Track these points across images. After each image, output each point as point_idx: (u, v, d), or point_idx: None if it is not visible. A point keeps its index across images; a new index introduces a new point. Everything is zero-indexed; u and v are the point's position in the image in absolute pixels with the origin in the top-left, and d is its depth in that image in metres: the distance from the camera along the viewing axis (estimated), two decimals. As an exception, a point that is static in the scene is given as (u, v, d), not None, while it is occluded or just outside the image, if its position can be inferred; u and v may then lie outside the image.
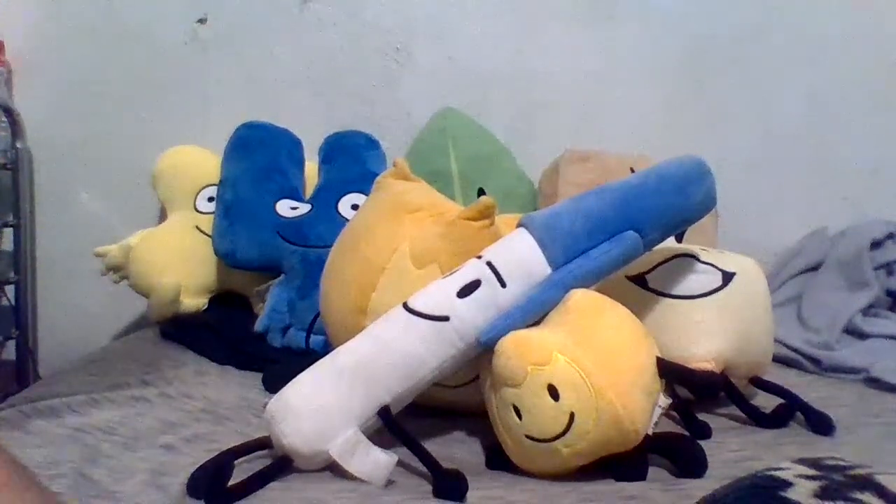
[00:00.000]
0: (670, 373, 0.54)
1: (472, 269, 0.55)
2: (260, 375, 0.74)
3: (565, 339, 0.51)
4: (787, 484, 0.34)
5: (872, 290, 0.96)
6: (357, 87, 1.11)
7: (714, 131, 1.17)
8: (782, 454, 0.56)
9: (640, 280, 0.69)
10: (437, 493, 0.48)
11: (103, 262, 0.94)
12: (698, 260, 0.68)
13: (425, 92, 1.11)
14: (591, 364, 0.49)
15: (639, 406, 0.49)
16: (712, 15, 1.15)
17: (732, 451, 0.58)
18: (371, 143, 1.00)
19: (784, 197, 1.17)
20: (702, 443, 0.59)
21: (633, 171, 1.00)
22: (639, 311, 0.67)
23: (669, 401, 0.57)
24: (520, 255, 0.56)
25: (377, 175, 0.79)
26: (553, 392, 0.48)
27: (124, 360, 0.74)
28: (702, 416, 0.63)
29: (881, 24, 1.16)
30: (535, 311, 0.55)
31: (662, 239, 0.61)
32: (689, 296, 0.67)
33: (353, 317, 0.64)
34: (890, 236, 1.02)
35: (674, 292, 0.67)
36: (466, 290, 0.54)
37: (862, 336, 0.90)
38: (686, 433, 0.61)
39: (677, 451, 0.51)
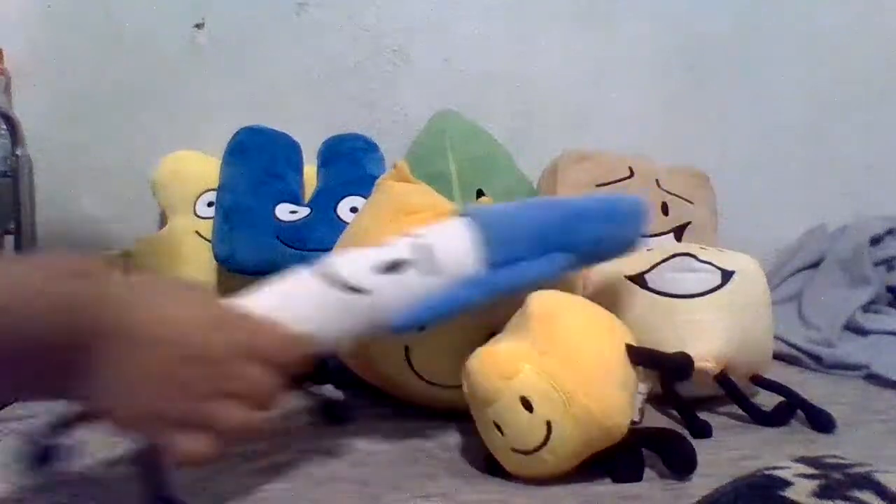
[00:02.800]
0: (641, 358, 0.53)
1: (402, 247, 0.52)
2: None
3: (530, 347, 0.50)
4: (786, 483, 0.34)
5: (873, 286, 0.96)
6: (355, 90, 1.11)
7: (713, 130, 1.17)
8: (783, 452, 0.56)
9: (639, 279, 0.69)
10: None
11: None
12: (697, 259, 0.68)
13: (423, 94, 1.11)
14: (558, 369, 0.48)
15: (614, 401, 0.49)
16: (711, 14, 1.15)
17: (733, 449, 0.58)
18: (369, 147, 1.00)
19: (783, 194, 1.17)
20: (703, 442, 0.60)
21: (631, 170, 1.00)
22: (638, 310, 0.68)
23: (649, 386, 0.57)
24: (457, 244, 0.53)
25: (376, 178, 0.79)
26: (526, 404, 0.48)
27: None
28: (702, 415, 0.63)
29: (880, 21, 1.16)
30: (454, 309, 0.53)
31: (584, 266, 0.61)
32: (689, 295, 0.67)
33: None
34: (889, 232, 1.02)
35: (673, 291, 0.67)
36: (393, 267, 0.50)
37: (862, 332, 0.90)
38: (676, 429, 0.61)
39: (667, 449, 0.50)
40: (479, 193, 0.96)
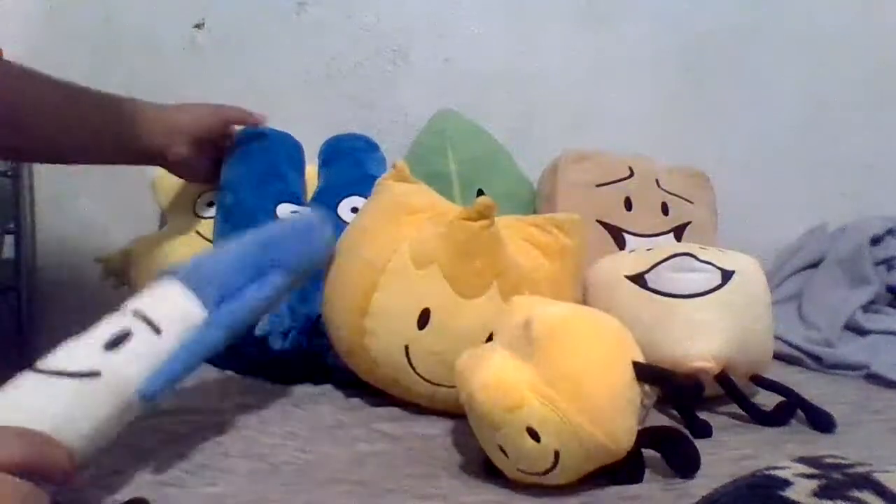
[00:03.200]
0: (649, 376, 0.52)
1: (116, 320, 0.49)
2: (260, 380, 0.74)
3: (533, 375, 0.49)
4: (786, 483, 0.34)
5: (873, 286, 0.96)
6: (355, 91, 1.12)
7: (713, 129, 1.17)
8: (783, 452, 0.56)
9: (639, 279, 0.69)
10: None
11: (103, 269, 0.94)
12: (697, 259, 0.68)
13: (423, 94, 1.11)
14: (563, 398, 0.47)
15: (620, 425, 0.48)
16: (711, 14, 1.15)
17: (733, 449, 0.58)
18: (370, 146, 1.00)
19: (783, 194, 1.17)
20: (703, 441, 0.60)
21: (631, 170, 1.00)
22: (638, 310, 0.68)
23: (656, 393, 0.56)
24: (170, 300, 0.52)
25: (376, 178, 0.79)
26: (533, 434, 0.47)
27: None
28: (702, 415, 0.63)
29: (879, 20, 1.16)
30: (198, 355, 0.51)
31: (297, 280, 0.63)
32: (689, 294, 0.67)
33: (355, 318, 0.65)
34: (890, 232, 1.02)
35: (673, 291, 0.67)
36: (116, 342, 0.47)
37: (862, 332, 0.90)
38: (679, 429, 0.61)
39: (670, 449, 0.50)
40: (480, 193, 0.97)
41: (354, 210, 0.88)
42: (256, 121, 0.88)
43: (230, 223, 0.86)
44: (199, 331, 0.52)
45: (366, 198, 0.78)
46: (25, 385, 0.44)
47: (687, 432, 0.60)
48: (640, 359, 0.53)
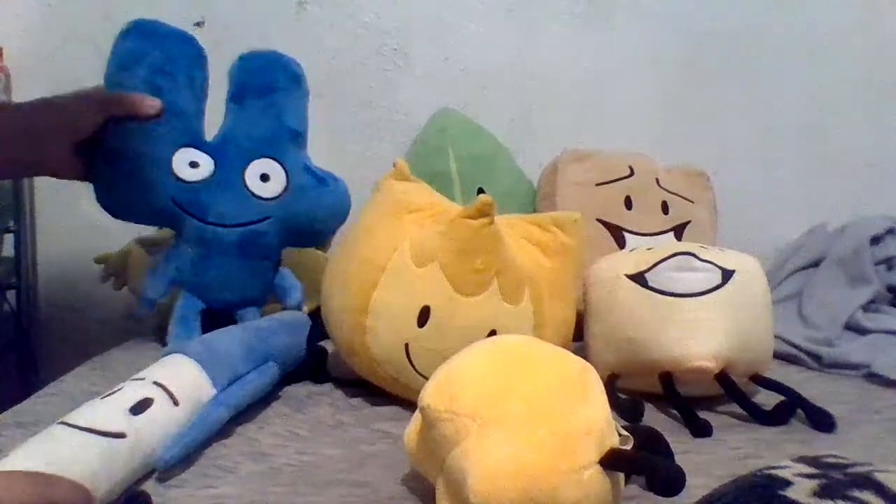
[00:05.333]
0: (625, 467, 0.43)
1: (139, 388, 0.54)
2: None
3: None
4: (786, 483, 0.34)
5: (873, 285, 0.96)
6: (355, 89, 1.12)
7: (713, 129, 1.17)
8: (783, 452, 0.56)
9: (639, 278, 0.69)
10: None
11: (103, 270, 0.94)
12: (697, 258, 0.68)
13: (423, 93, 1.11)
14: None
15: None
16: (710, 13, 1.15)
17: (733, 449, 0.58)
18: (293, 80, 0.83)
19: (783, 193, 1.17)
20: (702, 441, 0.60)
21: (631, 169, 1.00)
22: (638, 310, 0.68)
23: (629, 439, 0.47)
24: (187, 375, 0.58)
25: (295, 132, 0.75)
26: None
27: (126, 366, 0.74)
28: (702, 415, 0.63)
29: (879, 21, 1.16)
30: (208, 429, 0.56)
31: (284, 372, 0.69)
32: (689, 294, 0.66)
33: (355, 316, 0.65)
34: (890, 231, 1.02)
35: (673, 290, 0.67)
36: (140, 408, 0.52)
37: (862, 332, 0.90)
38: (676, 430, 0.61)
39: (650, 471, 0.42)
40: (480, 192, 0.97)
41: (264, 178, 0.79)
42: (146, 113, 0.71)
43: (114, 168, 0.75)
44: (209, 407, 0.57)
45: (278, 162, 0.75)
46: (57, 438, 0.47)
47: (686, 432, 0.61)
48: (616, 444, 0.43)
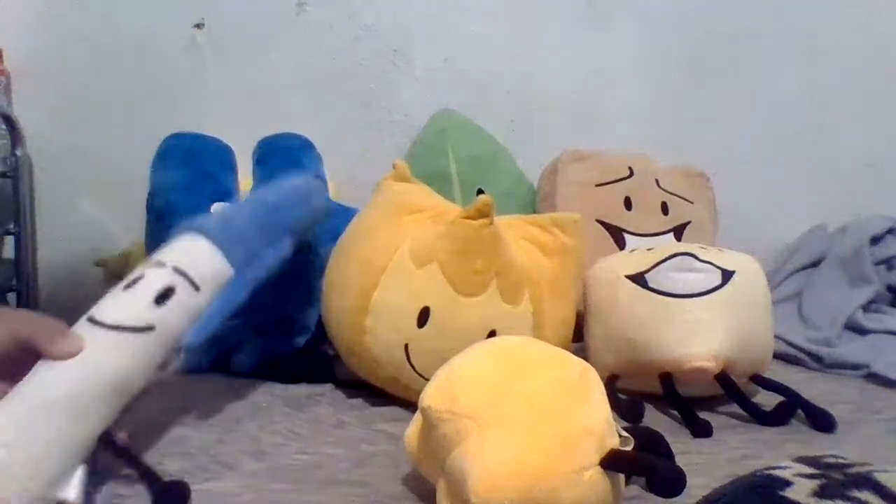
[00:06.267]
0: (625, 468, 0.43)
1: (161, 276, 0.52)
2: (261, 380, 0.74)
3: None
4: (786, 483, 0.34)
5: (873, 285, 0.96)
6: (355, 90, 1.12)
7: (713, 129, 1.17)
8: (783, 452, 0.56)
9: (639, 279, 0.69)
10: None
11: (103, 272, 0.94)
12: (697, 258, 0.68)
13: (423, 94, 1.11)
14: None
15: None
16: (710, 13, 1.15)
17: (733, 449, 0.58)
18: (305, 145, 0.95)
19: (783, 194, 1.17)
20: (702, 441, 0.60)
21: (631, 170, 1.00)
22: (638, 310, 0.68)
23: (629, 440, 0.47)
24: (204, 258, 0.56)
25: (313, 173, 0.77)
26: None
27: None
28: (702, 415, 0.63)
29: (879, 20, 1.16)
30: (230, 311, 0.56)
31: (298, 241, 0.67)
32: (689, 294, 0.67)
33: (354, 316, 0.65)
34: (889, 231, 1.02)
35: (673, 291, 0.67)
36: (163, 297, 0.51)
37: (863, 332, 0.90)
38: (676, 430, 0.61)
39: (651, 472, 0.42)
40: (480, 193, 0.97)
41: None
42: (66, 349, 0.47)
43: (162, 225, 0.82)
44: (228, 290, 0.56)
45: None
46: (88, 338, 0.47)
47: (687, 432, 0.61)
48: (616, 445, 0.43)
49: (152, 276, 0.52)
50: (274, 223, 0.63)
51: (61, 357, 0.46)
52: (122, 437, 0.48)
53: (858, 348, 0.85)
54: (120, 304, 0.50)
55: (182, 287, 0.52)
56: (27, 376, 0.46)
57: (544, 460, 0.39)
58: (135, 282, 0.52)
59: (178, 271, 0.53)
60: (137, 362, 0.48)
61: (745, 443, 0.59)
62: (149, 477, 0.47)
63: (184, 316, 0.52)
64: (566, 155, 1.02)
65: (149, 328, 0.49)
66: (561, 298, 0.70)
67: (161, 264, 0.53)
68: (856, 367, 0.81)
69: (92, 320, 0.48)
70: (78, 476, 0.45)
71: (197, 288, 0.53)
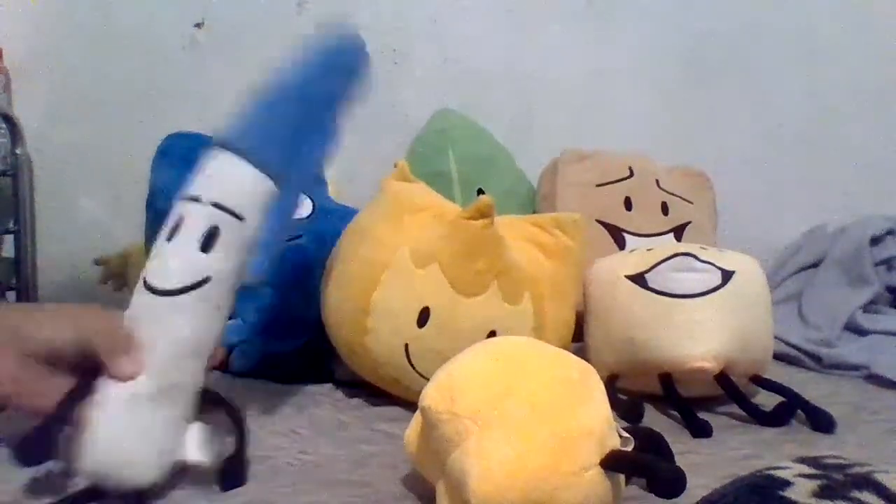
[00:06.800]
0: (626, 468, 0.43)
1: (200, 217, 0.49)
2: (260, 380, 0.74)
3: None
4: (786, 483, 0.34)
5: (873, 286, 0.96)
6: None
7: (713, 129, 1.17)
8: (783, 452, 0.56)
9: (639, 279, 0.69)
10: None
11: (102, 271, 0.94)
12: (697, 259, 0.68)
13: (423, 93, 1.11)
14: None
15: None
16: (711, 13, 1.15)
17: (733, 449, 0.58)
18: None
19: (783, 194, 1.17)
20: (702, 442, 0.60)
21: (631, 170, 1.00)
22: (638, 310, 0.68)
23: (629, 441, 0.47)
24: (239, 180, 0.51)
25: (318, 178, 0.77)
26: None
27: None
28: (702, 415, 0.63)
29: (880, 20, 1.16)
30: (286, 226, 0.54)
31: (344, 110, 0.61)
32: (689, 295, 0.67)
33: (355, 316, 0.65)
34: (890, 232, 1.02)
35: (673, 291, 0.67)
36: (209, 242, 0.49)
37: (862, 332, 0.90)
38: (676, 430, 0.61)
39: (651, 474, 0.42)
40: (480, 192, 0.97)
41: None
42: (126, 373, 0.46)
43: (162, 224, 0.83)
44: (274, 206, 0.52)
45: (309, 197, 0.81)
46: (149, 309, 0.48)
47: (686, 432, 0.61)
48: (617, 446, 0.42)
49: (191, 220, 0.50)
50: (313, 116, 0.57)
51: (121, 380, 0.46)
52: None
53: (858, 349, 0.85)
54: (169, 263, 0.49)
55: (225, 223, 0.50)
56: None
57: (544, 460, 0.39)
58: (176, 228, 0.50)
59: (216, 205, 0.50)
60: (205, 318, 0.48)
61: (745, 443, 0.59)
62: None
63: (236, 253, 0.50)
64: (566, 155, 1.02)
65: (204, 281, 0.48)
66: (561, 299, 0.70)
67: (196, 199, 0.50)
68: (855, 367, 0.81)
69: (153, 290, 0.48)
70: (193, 435, 0.47)
71: (241, 218, 0.50)
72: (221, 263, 0.49)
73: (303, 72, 0.59)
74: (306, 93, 0.57)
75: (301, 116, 0.56)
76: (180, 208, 0.51)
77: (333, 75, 0.60)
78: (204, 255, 0.49)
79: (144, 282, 0.48)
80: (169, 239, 0.50)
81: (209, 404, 0.51)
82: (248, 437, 0.53)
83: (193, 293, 0.48)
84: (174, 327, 0.47)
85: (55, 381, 0.47)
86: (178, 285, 0.48)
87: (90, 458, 0.44)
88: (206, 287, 0.48)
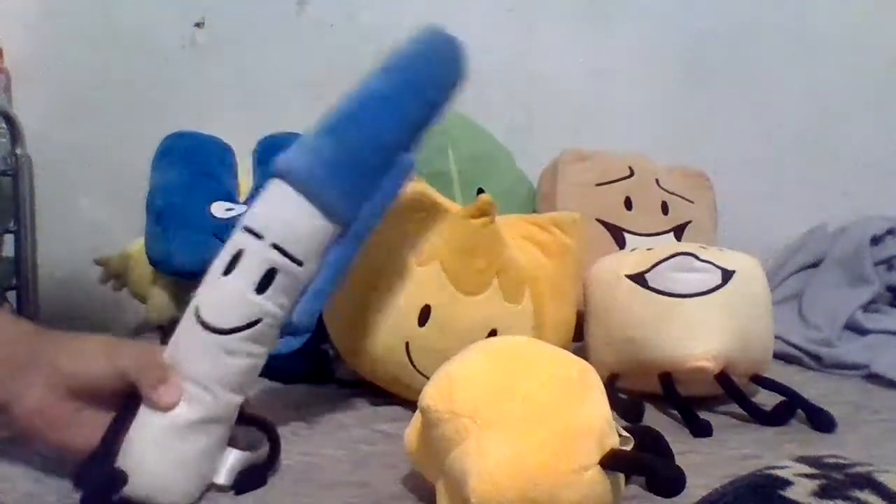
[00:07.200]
0: (626, 467, 0.43)
1: (259, 257, 0.49)
2: (260, 380, 0.74)
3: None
4: (786, 483, 0.34)
5: (873, 285, 0.96)
6: (355, 90, 1.11)
7: (713, 129, 1.17)
8: (783, 452, 0.56)
9: (639, 279, 0.69)
10: None
11: (102, 271, 0.94)
12: (697, 258, 0.68)
13: (423, 93, 1.11)
14: None
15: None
16: (711, 13, 1.15)
17: (733, 449, 0.58)
18: None
19: (783, 194, 1.17)
20: (702, 441, 0.60)
21: (631, 170, 1.00)
22: (638, 310, 0.68)
23: (629, 440, 0.47)
24: (303, 225, 0.50)
25: None
26: None
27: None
28: (702, 415, 0.63)
29: (880, 19, 1.16)
30: (342, 273, 0.53)
31: (425, 131, 0.56)
32: (689, 294, 0.67)
33: (355, 315, 0.65)
34: (890, 232, 1.02)
35: (673, 291, 0.67)
36: (264, 284, 0.48)
37: (862, 332, 0.90)
38: (676, 430, 0.61)
39: (651, 473, 0.44)
40: (480, 192, 0.96)
41: None
42: (166, 403, 0.47)
43: (162, 224, 0.83)
44: (336, 248, 0.52)
45: None
46: (198, 341, 0.48)
47: (686, 432, 0.61)
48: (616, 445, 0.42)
49: (250, 259, 0.49)
50: (386, 149, 0.53)
51: (161, 410, 0.46)
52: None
53: (858, 348, 0.85)
54: (225, 302, 0.48)
55: (283, 267, 0.49)
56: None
57: (544, 459, 0.39)
58: (234, 262, 0.49)
59: (277, 247, 0.49)
60: (250, 356, 0.49)
61: (745, 443, 0.59)
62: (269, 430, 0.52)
63: (288, 296, 0.50)
64: (566, 154, 1.02)
65: (255, 322, 0.48)
66: (561, 298, 0.70)
67: (258, 236, 0.49)
68: (855, 367, 0.81)
69: (201, 321, 0.48)
70: (227, 461, 0.49)
71: (300, 263, 0.50)
72: (273, 306, 0.49)
73: (390, 105, 0.55)
74: (387, 140, 0.54)
75: (379, 163, 0.53)
76: (240, 239, 0.50)
77: (412, 95, 0.56)
78: (259, 296, 0.49)
79: (197, 313, 0.48)
80: (226, 272, 0.49)
81: (246, 421, 0.52)
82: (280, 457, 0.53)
83: (244, 333, 0.48)
84: (221, 364, 0.48)
85: (84, 415, 0.47)
86: (231, 325, 0.48)
87: (129, 485, 0.45)
88: (256, 328, 0.49)
